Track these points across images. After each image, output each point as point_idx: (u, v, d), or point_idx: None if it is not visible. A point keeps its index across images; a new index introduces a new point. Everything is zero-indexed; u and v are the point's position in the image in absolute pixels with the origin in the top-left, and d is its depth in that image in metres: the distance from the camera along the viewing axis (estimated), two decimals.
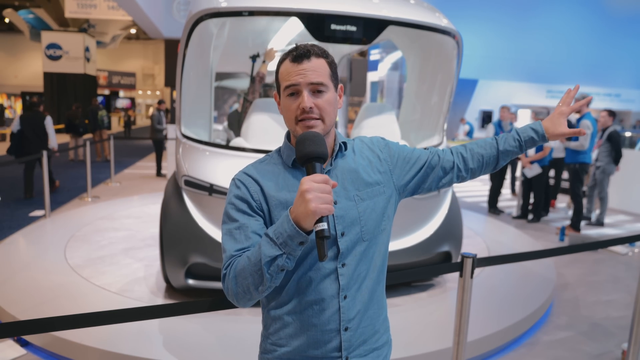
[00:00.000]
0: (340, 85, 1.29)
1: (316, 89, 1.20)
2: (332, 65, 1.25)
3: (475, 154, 1.44)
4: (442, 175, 1.42)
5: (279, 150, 1.33)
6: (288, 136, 1.31)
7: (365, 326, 1.29)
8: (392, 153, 1.38)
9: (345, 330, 1.25)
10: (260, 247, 1.10)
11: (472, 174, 1.45)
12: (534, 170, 6.95)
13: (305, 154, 1.12)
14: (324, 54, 1.23)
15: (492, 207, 7.79)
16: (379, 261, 1.33)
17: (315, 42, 4.37)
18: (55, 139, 8.01)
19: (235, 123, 5.46)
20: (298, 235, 1.06)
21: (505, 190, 9.92)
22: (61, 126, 19.25)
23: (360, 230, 1.26)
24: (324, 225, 1.03)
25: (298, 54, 1.19)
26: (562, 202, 8.82)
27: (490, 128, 7.78)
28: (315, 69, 1.19)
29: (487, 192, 8.23)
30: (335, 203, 1.22)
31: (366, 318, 1.29)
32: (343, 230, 1.24)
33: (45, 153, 6.46)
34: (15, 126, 7.71)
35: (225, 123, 6.28)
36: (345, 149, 1.31)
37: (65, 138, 18.64)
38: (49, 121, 7.89)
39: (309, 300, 1.24)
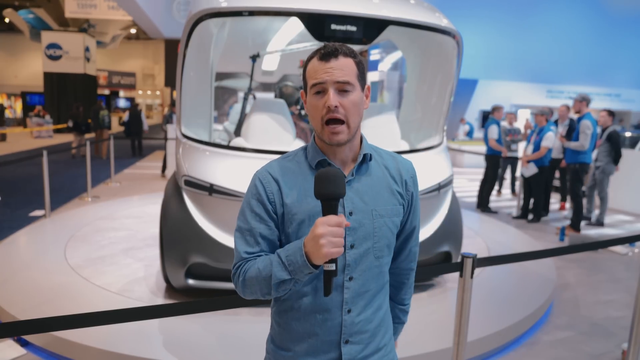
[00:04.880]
0: (367, 85, 1.27)
1: (342, 88, 1.18)
2: (360, 65, 1.23)
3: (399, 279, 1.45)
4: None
5: (305, 148, 1.31)
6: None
7: (369, 343, 1.29)
8: (414, 191, 1.37)
9: (346, 343, 1.25)
10: (272, 266, 1.16)
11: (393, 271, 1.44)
12: (531, 170, 6.95)
13: (323, 194, 1.12)
14: (352, 54, 1.22)
15: (483, 205, 7.81)
16: (387, 278, 1.34)
17: (316, 43, 4.39)
18: (146, 124, 14.49)
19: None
20: (307, 268, 1.12)
21: (505, 190, 9.93)
22: (64, 125, 19.75)
23: (372, 246, 1.25)
24: (332, 267, 1.11)
25: (326, 52, 1.19)
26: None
27: (494, 129, 7.76)
28: (342, 68, 1.18)
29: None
30: (350, 214, 1.23)
31: (371, 335, 1.29)
32: (353, 242, 1.23)
33: (45, 153, 6.48)
34: (126, 118, 14.27)
35: (226, 123, 6.28)
36: (371, 159, 1.29)
37: (69, 137, 18.80)
38: (142, 115, 14.01)
39: (312, 309, 1.25)
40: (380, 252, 1.27)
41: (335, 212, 1.11)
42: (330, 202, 1.11)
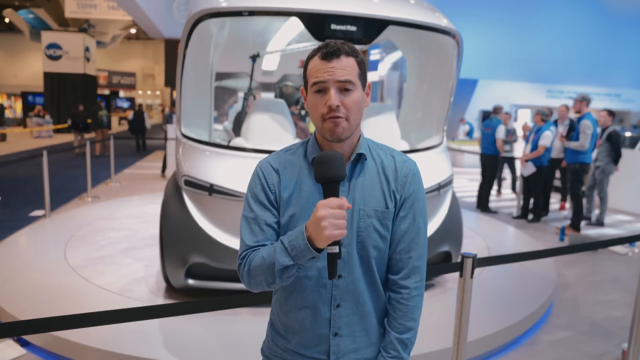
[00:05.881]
0: (368, 83, 1.27)
1: (344, 87, 1.19)
2: (362, 64, 1.23)
3: (395, 299, 1.30)
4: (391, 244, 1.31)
5: (305, 142, 1.32)
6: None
7: (360, 336, 1.30)
8: (408, 188, 1.30)
9: (335, 336, 1.28)
10: (275, 253, 1.16)
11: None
12: (529, 169, 6.96)
13: (323, 176, 1.13)
14: (354, 53, 1.22)
15: (483, 205, 7.81)
16: (378, 280, 1.31)
17: (316, 42, 4.38)
18: (149, 123, 16.55)
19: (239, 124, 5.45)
20: (310, 252, 1.12)
21: (506, 190, 9.93)
22: (64, 125, 20.24)
23: (357, 245, 1.26)
24: (335, 249, 1.10)
25: (328, 52, 1.18)
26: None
27: (502, 129, 7.75)
28: (344, 68, 1.18)
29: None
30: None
31: (361, 328, 1.30)
32: (342, 240, 1.22)
33: (45, 153, 6.48)
34: (130, 117, 15.96)
35: (226, 123, 6.28)
36: (366, 159, 1.28)
37: (69, 137, 18.88)
38: (145, 115, 15.53)
39: (303, 303, 1.28)
40: (365, 251, 1.26)
41: (336, 195, 1.12)
42: (331, 185, 1.12)
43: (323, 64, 1.19)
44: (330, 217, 1.07)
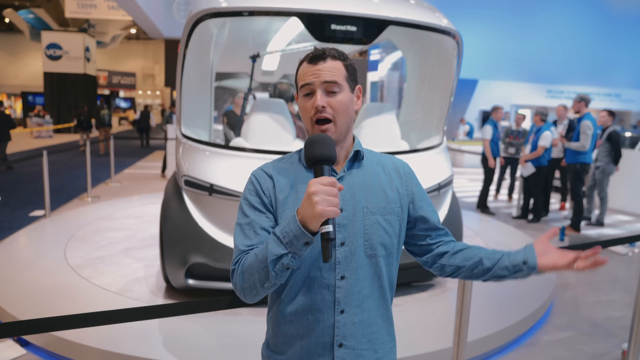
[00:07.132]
0: (358, 86, 1.29)
1: (330, 89, 1.21)
2: (350, 67, 1.26)
3: (465, 258, 1.35)
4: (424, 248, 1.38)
5: (299, 150, 1.33)
6: None
7: (365, 349, 1.25)
8: (414, 183, 1.36)
9: (340, 347, 1.22)
10: (267, 245, 1.12)
11: (449, 271, 1.38)
12: (528, 169, 6.97)
13: (313, 156, 1.14)
14: (342, 57, 1.25)
15: (482, 206, 7.81)
16: (385, 284, 1.29)
17: (316, 42, 4.38)
18: (154, 122, 18.35)
19: (233, 123, 5.45)
20: (303, 235, 1.07)
21: (504, 191, 9.91)
22: (64, 125, 20.41)
23: (363, 244, 1.23)
24: (329, 228, 1.06)
25: (314, 56, 1.23)
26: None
27: (488, 129, 7.74)
28: (330, 70, 1.22)
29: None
30: (340, 210, 1.19)
31: (367, 340, 1.25)
32: (343, 239, 1.21)
33: (45, 153, 6.48)
34: (137, 116, 17.92)
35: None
36: (362, 158, 1.30)
37: (69, 137, 18.89)
38: (151, 114, 16.79)
39: (304, 309, 1.23)
40: (373, 250, 1.23)
41: (327, 175, 1.12)
42: (321, 165, 1.13)
43: (309, 67, 1.23)
44: (323, 192, 1.04)
